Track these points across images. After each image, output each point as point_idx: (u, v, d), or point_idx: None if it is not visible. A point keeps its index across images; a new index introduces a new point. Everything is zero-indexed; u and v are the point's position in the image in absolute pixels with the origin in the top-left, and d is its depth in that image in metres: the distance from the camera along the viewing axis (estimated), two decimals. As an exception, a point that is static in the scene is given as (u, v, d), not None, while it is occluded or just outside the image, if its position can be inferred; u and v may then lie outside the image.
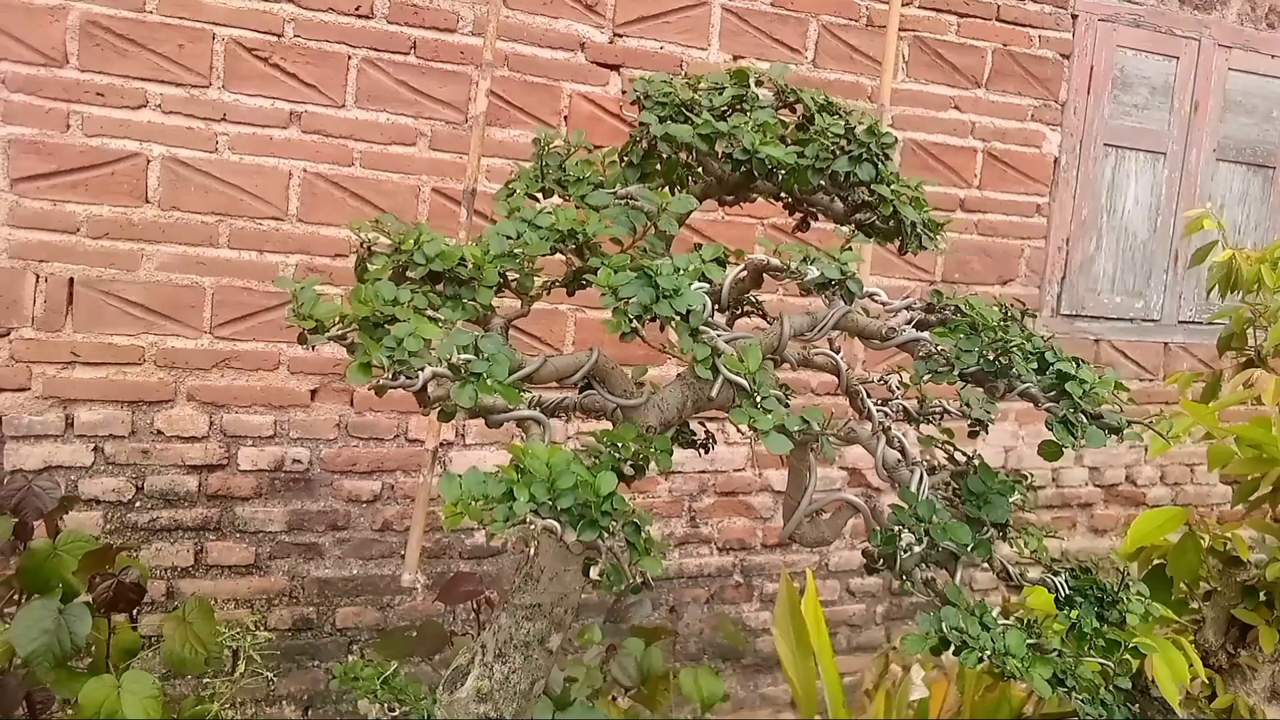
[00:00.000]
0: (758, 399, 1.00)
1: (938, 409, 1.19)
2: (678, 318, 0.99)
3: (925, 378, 1.19)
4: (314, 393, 2.90)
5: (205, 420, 2.82)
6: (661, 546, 0.93)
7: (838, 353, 1.35)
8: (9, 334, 2.61)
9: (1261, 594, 1.79)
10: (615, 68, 3.08)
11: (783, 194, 1.22)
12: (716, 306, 1.13)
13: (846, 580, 3.58)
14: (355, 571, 3.01)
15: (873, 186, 1.18)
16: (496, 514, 0.85)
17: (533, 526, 0.88)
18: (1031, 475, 1.42)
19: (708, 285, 1.10)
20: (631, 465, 1.02)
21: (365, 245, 1.06)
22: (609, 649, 2.27)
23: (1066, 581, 1.18)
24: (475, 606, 2.15)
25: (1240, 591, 1.81)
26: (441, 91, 2.91)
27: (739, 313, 1.26)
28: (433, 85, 2.90)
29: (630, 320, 0.99)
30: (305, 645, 2.96)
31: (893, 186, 1.19)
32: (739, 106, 1.19)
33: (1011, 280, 3.64)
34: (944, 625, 1.04)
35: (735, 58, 3.21)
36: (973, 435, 1.21)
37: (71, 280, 2.64)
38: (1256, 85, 3.80)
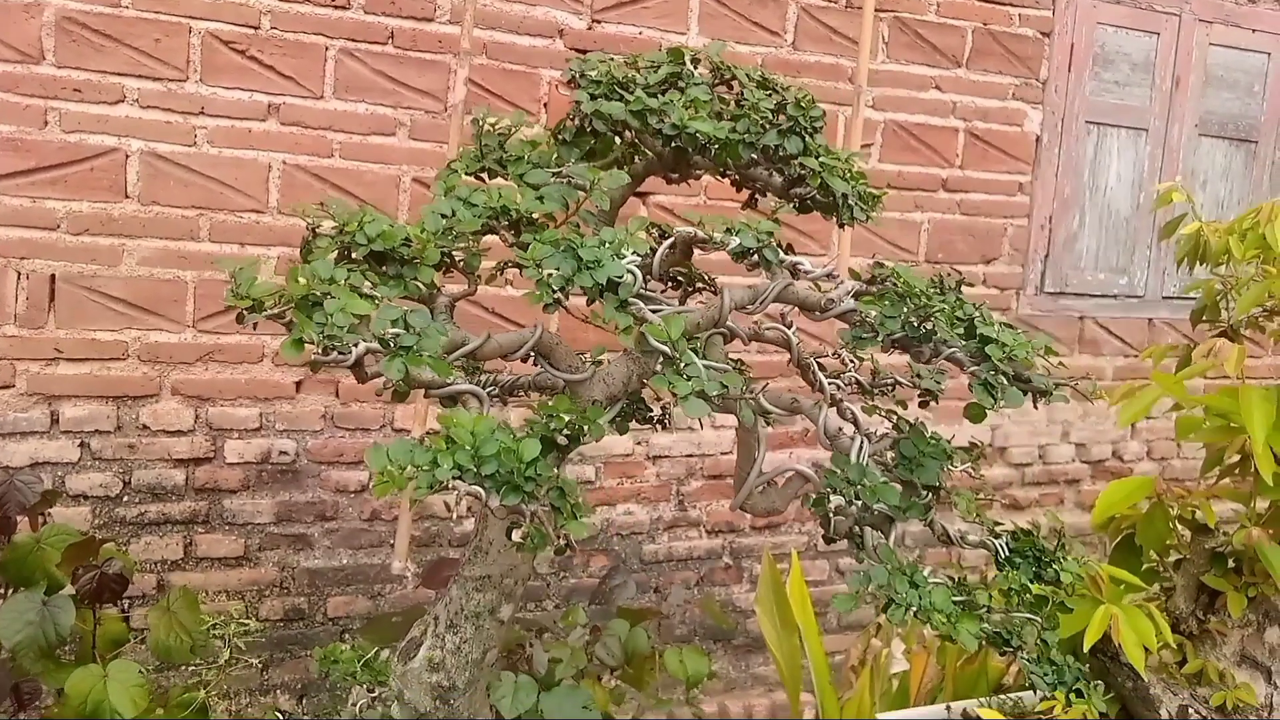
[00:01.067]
0: (680, 365, 1.01)
1: (890, 381, 1.20)
2: (601, 288, 1.00)
3: (851, 344, 1.21)
4: (299, 384, 2.91)
5: (191, 414, 2.83)
6: (588, 510, 0.95)
7: (790, 327, 1.36)
8: (-8, 331, 2.62)
9: (1230, 561, 1.81)
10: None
11: (726, 170, 1.23)
12: (649, 278, 1.14)
13: (836, 560, 3.60)
14: (345, 561, 3.02)
15: (801, 159, 1.19)
16: (420, 480, 0.87)
17: (456, 492, 0.89)
18: (982, 444, 1.43)
19: (639, 259, 1.11)
20: (566, 435, 1.04)
21: (311, 228, 1.08)
22: (593, 631, 2.29)
23: (1007, 544, 1.20)
24: (459, 591, 2.16)
25: (1209, 559, 1.83)
26: (420, 81, 2.92)
27: (692, 289, 1.27)
28: (411, 75, 2.91)
29: (553, 291, 1.01)
30: (297, 635, 2.98)
31: (821, 159, 1.20)
32: (675, 84, 1.19)
33: (995, 259, 3.65)
34: (872, 583, 1.06)
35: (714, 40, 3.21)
36: (923, 405, 1.22)
37: (53, 277, 2.65)
38: (1237, 60, 3.80)
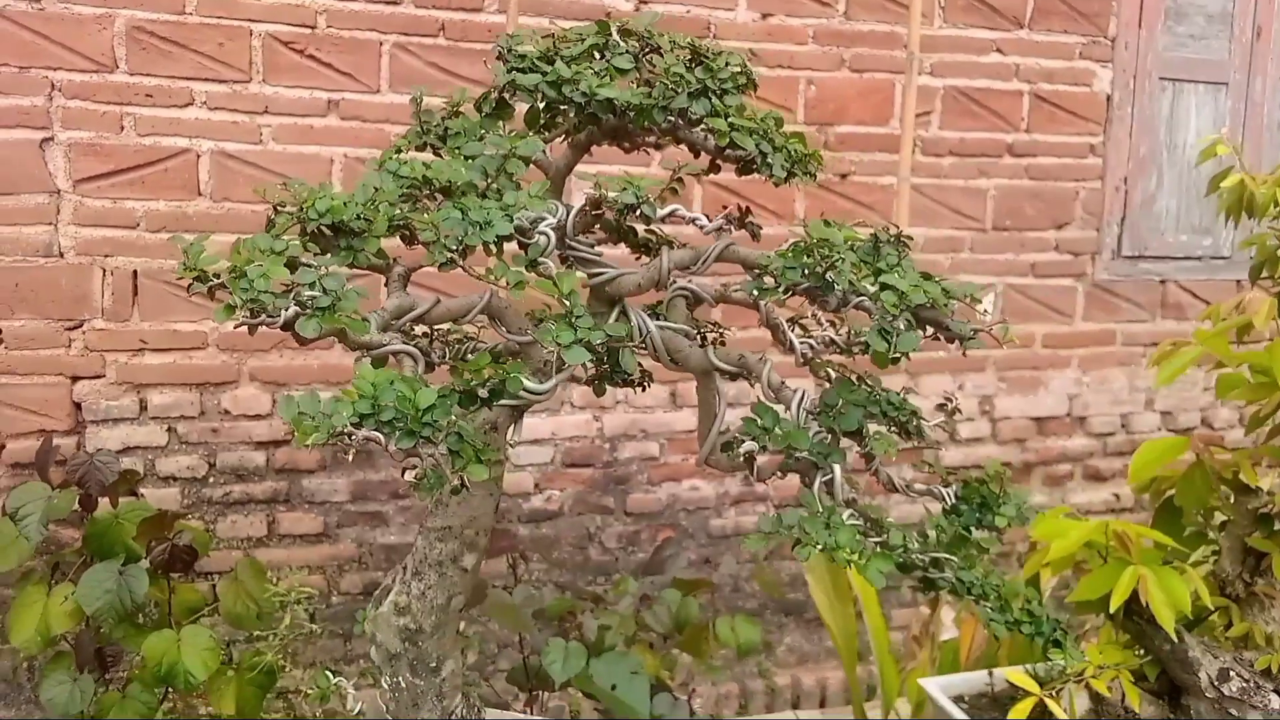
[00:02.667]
0: (572, 318, 1.05)
1: (863, 341, 1.20)
2: (493, 245, 1.05)
3: (755, 294, 1.21)
4: (367, 368, 3.02)
5: (268, 398, 2.97)
6: (492, 454, 0.99)
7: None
8: (82, 325, 2.80)
9: (1276, 522, 1.74)
10: (643, 34, 3.12)
11: (660, 135, 1.24)
12: (563, 238, 1.18)
13: (908, 534, 3.56)
14: (413, 538, 3.14)
15: (708, 120, 1.20)
16: (320, 426, 0.93)
17: (353, 438, 0.95)
18: (954, 401, 1.41)
19: (553, 220, 1.15)
20: (487, 389, 1.10)
21: (274, 207, 1.15)
22: (643, 599, 2.33)
23: (956, 491, 1.20)
24: (510, 561, 2.24)
25: (1253, 520, 1.76)
26: (472, 71, 2.99)
27: (657, 251, 1.28)
28: (463, 65, 2.98)
29: (447, 251, 1.06)
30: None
31: (730, 119, 1.21)
32: (600, 54, 1.22)
33: (1067, 224, 3.55)
34: (783, 523, 1.08)
35: (764, 16, 3.20)
36: (893, 362, 1.22)
37: (135, 272, 2.82)
38: (1326, 3, 3.60)
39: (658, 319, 1.20)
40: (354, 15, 2.89)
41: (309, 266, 1.05)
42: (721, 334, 1.34)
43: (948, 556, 1.13)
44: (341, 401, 0.97)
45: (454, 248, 1.06)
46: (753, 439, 1.14)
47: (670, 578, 2.47)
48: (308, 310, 1.02)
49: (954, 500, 1.22)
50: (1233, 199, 1.86)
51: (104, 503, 2.26)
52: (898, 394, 1.28)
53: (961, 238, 3.46)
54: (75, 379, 2.81)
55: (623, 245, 1.27)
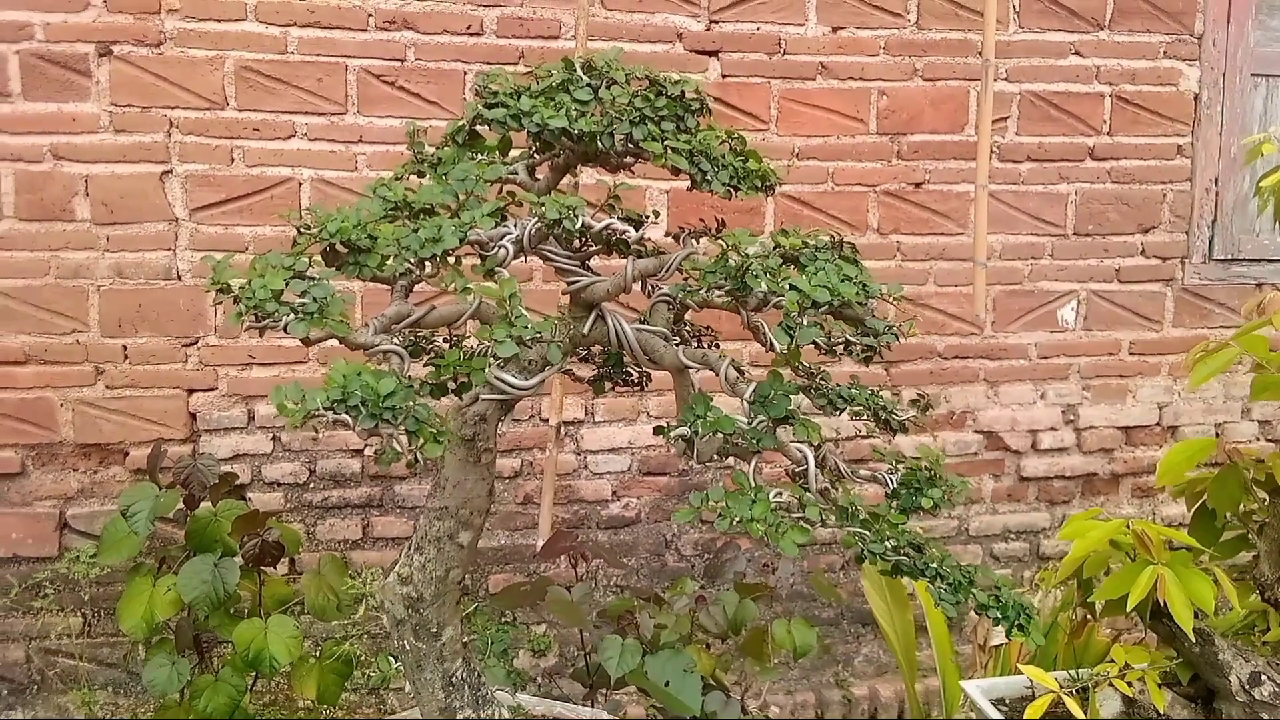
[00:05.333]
0: (511, 317, 1.15)
1: (841, 341, 1.26)
2: (440, 258, 1.17)
3: (679, 295, 1.28)
4: (453, 379, 3.20)
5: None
6: (448, 435, 1.11)
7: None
8: (197, 342, 3.06)
9: (1315, 525, 1.70)
10: (714, 53, 3.21)
11: (620, 157, 1.33)
12: (525, 250, 1.28)
13: (989, 545, 3.53)
14: (503, 542, 3.28)
15: (643, 144, 1.29)
16: (299, 411, 1.07)
17: (326, 419, 1.09)
18: (926, 398, 1.44)
19: (514, 234, 1.25)
20: (455, 383, 1.21)
21: (297, 228, 1.30)
22: (698, 599, 2.41)
23: (896, 477, 1.24)
24: (573, 561, 2.35)
25: (1290, 523, 1.72)
26: (549, 95, 3.14)
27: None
28: (540, 90, 3.13)
29: (406, 263, 1.18)
30: (465, 620, 3.27)
31: (668, 142, 1.29)
32: (565, 89, 1.32)
33: (1154, 227, 3.47)
34: (709, 499, 1.15)
35: (834, 29, 3.25)
36: (867, 362, 1.27)
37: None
38: None
39: (646, 322, 1.31)
40: (440, 47, 3.08)
41: (304, 279, 1.19)
42: (715, 337, 1.43)
43: (861, 531, 1.18)
44: (318, 390, 1.12)
45: (411, 260, 1.19)
46: (687, 425, 1.23)
47: (730, 580, 2.54)
48: (298, 314, 1.17)
49: (894, 485, 1.27)
50: (1274, 198, 1.83)
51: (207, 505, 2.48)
52: (863, 389, 1.34)
53: (1042, 244, 3.42)
54: (191, 391, 3.07)
55: (614, 256, 1.38)
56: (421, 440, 1.08)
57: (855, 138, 3.29)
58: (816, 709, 3.38)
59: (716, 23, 3.20)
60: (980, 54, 3.25)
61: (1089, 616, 2.08)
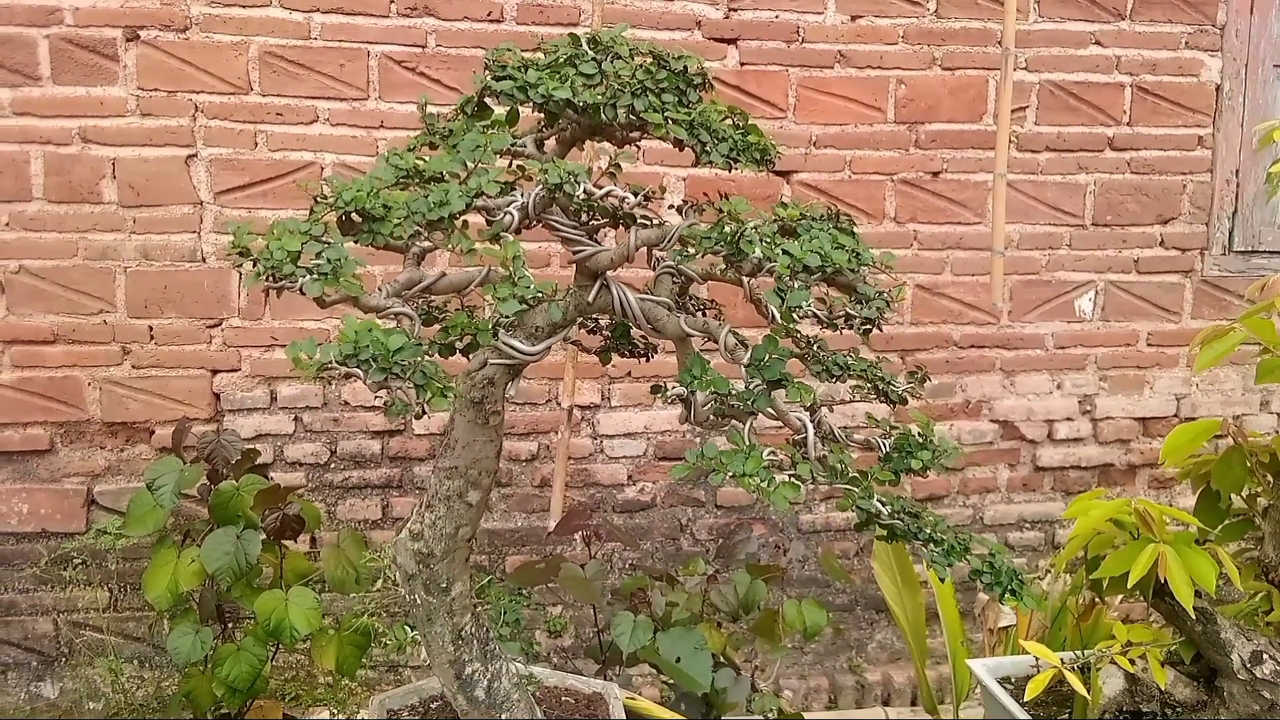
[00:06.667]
0: (514, 278, 1.18)
1: (842, 314, 1.28)
2: (447, 221, 1.20)
3: (678, 260, 1.31)
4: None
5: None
6: (455, 392, 1.15)
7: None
8: (221, 324, 3.11)
9: (1320, 507, 1.70)
10: (732, 41, 3.23)
11: (625, 130, 1.35)
12: (530, 217, 1.31)
13: (1004, 534, 3.54)
14: (519, 524, 3.33)
15: (643, 115, 1.31)
16: (313, 364, 1.11)
17: (339, 372, 1.13)
18: (922, 370, 1.46)
19: (519, 201, 1.29)
20: (462, 343, 1.25)
21: (314, 198, 1.34)
22: (710, 579, 2.44)
23: (890, 442, 1.27)
24: (587, 539, 2.39)
25: (1295, 504, 1.73)
26: (569, 82, 3.17)
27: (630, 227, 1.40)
28: (560, 77, 3.17)
29: (416, 225, 1.22)
30: (479, 593, 3.31)
31: (668, 113, 1.31)
32: (572, 63, 1.35)
33: (1174, 219, 3.46)
34: (705, 455, 1.18)
35: (853, 18, 3.27)
36: (865, 335, 1.30)
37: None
38: None
39: (650, 292, 1.34)
40: (460, 34, 3.11)
41: (319, 241, 1.23)
42: (719, 309, 1.46)
43: (849, 487, 1.21)
44: (330, 345, 1.17)
45: (420, 223, 1.23)
46: (684, 386, 1.26)
47: (742, 562, 2.57)
48: (313, 275, 1.21)
49: (887, 449, 1.30)
50: (1284, 183, 1.83)
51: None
52: (861, 359, 1.37)
53: (1060, 234, 3.42)
54: (215, 372, 3.13)
55: (620, 229, 1.41)
56: (429, 394, 1.12)
57: (873, 126, 3.30)
58: (830, 694, 3.40)
59: (735, 10, 3.22)
60: (1000, 43, 3.25)
61: (1097, 599, 2.10)
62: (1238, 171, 3.41)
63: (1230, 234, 3.43)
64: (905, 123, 3.32)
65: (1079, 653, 1.81)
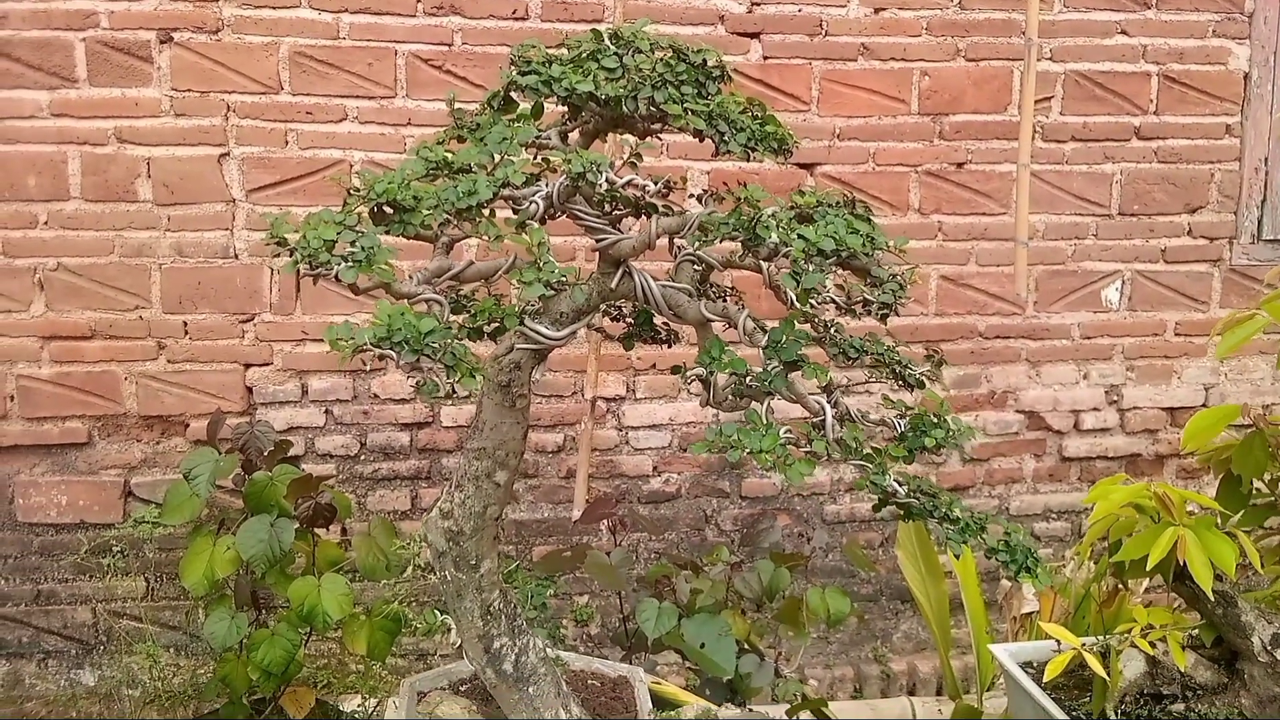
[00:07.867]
0: (539, 264, 1.22)
1: (860, 300, 1.31)
2: (473, 210, 1.24)
3: (696, 245, 1.34)
4: (498, 356, 3.28)
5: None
6: (482, 370, 1.19)
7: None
8: (253, 319, 3.18)
9: (1342, 491, 1.70)
10: (755, 35, 3.25)
11: (647, 122, 1.38)
12: (555, 206, 1.35)
13: (1030, 524, 3.53)
14: (546, 514, 3.36)
15: (663, 106, 1.34)
16: (350, 346, 1.16)
17: (372, 353, 1.18)
18: (939, 353, 1.48)
19: (544, 190, 1.33)
20: (489, 328, 1.30)
21: (347, 191, 1.39)
22: (733, 567, 2.47)
23: (906, 421, 1.29)
24: (611, 527, 2.42)
25: (1317, 488, 1.72)
26: (593, 77, 3.20)
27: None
28: (584, 73, 3.20)
29: (445, 214, 1.26)
30: (507, 578, 3.36)
31: (687, 104, 1.35)
32: (595, 58, 1.39)
33: (1202, 207, 3.44)
34: (723, 434, 1.21)
35: (876, 10, 3.27)
36: (883, 319, 1.32)
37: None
38: None
39: (672, 279, 1.37)
40: (485, 32, 3.15)
41: (353, 230, 1.28)
42: (740, 296, 1.48)
43: (862, 464, 1.24)
44: (366, 328, 1.22)
45: (449, 211, 1.27)
46: (703, 367, 1.29)
47: (766, 551, 2.59)
48: (348, 262, 1.26)
49: (902, 429, 1.32)
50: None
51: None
52: (878, 342, 1.39)
53: (1085, 224, 3.42)
54: (248, 366, 3.19)
55: (643, 218, 1.44)
56: (459, 374, 1.17)
57: (897, 118, 3.31)
58: (855, 683, 3.41)
59: (758, 4, 3.24)
60: (1024, 34, 3.25)
61: (1120, 585, 2.10)
62: (1266, 160, 3.38)
63: (1259, 222, 3.41)
64: (929, 114, 3.32)
65: (1100, 637, 1.82)
